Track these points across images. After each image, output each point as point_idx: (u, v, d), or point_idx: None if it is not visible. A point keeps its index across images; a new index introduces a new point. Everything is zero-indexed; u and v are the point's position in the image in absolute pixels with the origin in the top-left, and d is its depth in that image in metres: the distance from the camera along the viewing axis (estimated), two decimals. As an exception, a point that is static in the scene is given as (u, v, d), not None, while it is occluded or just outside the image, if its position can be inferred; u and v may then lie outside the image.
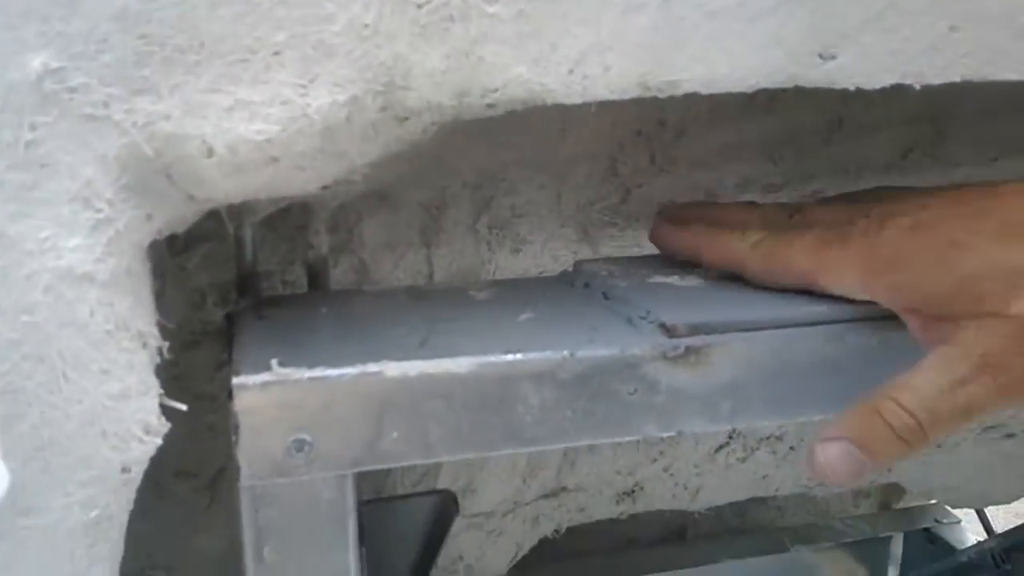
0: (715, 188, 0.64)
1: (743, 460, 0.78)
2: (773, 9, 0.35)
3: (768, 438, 0.78)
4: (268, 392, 0.34)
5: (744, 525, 1.03)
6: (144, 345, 0.32)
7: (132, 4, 0.29)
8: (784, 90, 0.60)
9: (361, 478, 0.39)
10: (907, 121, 0.66)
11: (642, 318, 0.41)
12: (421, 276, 0.60)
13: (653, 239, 0.50)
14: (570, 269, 0.51)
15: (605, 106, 0.37)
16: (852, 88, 0.37)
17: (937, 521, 1.09)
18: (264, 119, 0.32)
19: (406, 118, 0.35)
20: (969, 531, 1.09)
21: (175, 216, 0.34)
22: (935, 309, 0.38)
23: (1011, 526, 1.01)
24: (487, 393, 0.37)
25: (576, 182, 0.61)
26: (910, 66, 0.37)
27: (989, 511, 1.07)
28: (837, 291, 0.41)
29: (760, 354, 0.40)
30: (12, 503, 0.31)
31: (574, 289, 0.48)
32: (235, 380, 0.34)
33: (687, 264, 0.48)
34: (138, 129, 0.30)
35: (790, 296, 0.43)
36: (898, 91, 0.38)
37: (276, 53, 0.31)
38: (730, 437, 0.77)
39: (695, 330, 0.40)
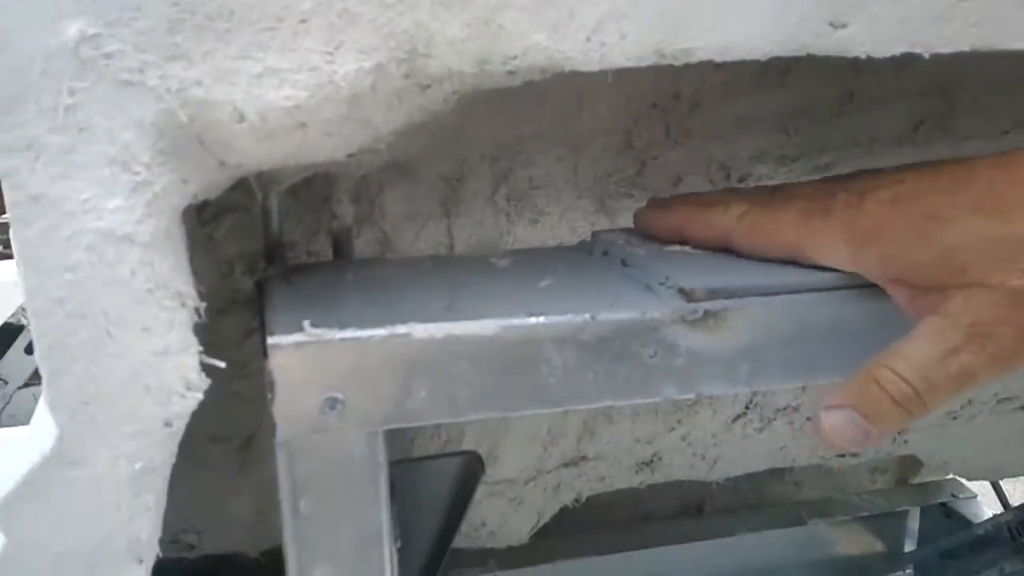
0: (729, 160, 0.65)
1: (760, 430, 0.79)
2: (785, -22, 0.36)
3: (785, 409, 0.78)
4: (301, 352, 0.35)
5: (761, 500, 1.04)
6: (183, 304, 0.33)
7: (164, -28, 0.30)
8: (797, 63, 0.61)
9: (389, 441, 0.40)
10: (918, 94, 0.66)
11: (661, 284, 0.42)
12: (442, 247, 0.60)
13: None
14: (588, 239, 0.52)
15: (621, 79, 0.37)
16: (863, 57, 0.38)
17: (954, 495, 1.10)
18: (293, 85, 0.33)
19: (428, 86, 0.36)
20: (985, 505, 1.10)
21: (208, 182, 0.35)
22: (921, 280, 0.39)
23: (1027, 500, 1.02)
24: (511, 355, 0.38)
25: (593, 154, 0.62)
26: (919, 35, 0.38)
27: (1005, 485, 1.07)
28: (824, 263, 0.42)
29: (777, 318, 0.41)
30: (60, 455, 0.32)
31: (593, 257, 0.49)
32: (270, 340, 0.35)
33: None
34: (172, 95, 0.31)
35: None
36: (909, 63, 0.38)
37: (303, 21, 0.32)
38: (747, 407, 0.77)
39: (713, 294, 0.40)
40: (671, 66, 0.37)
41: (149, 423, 0.33)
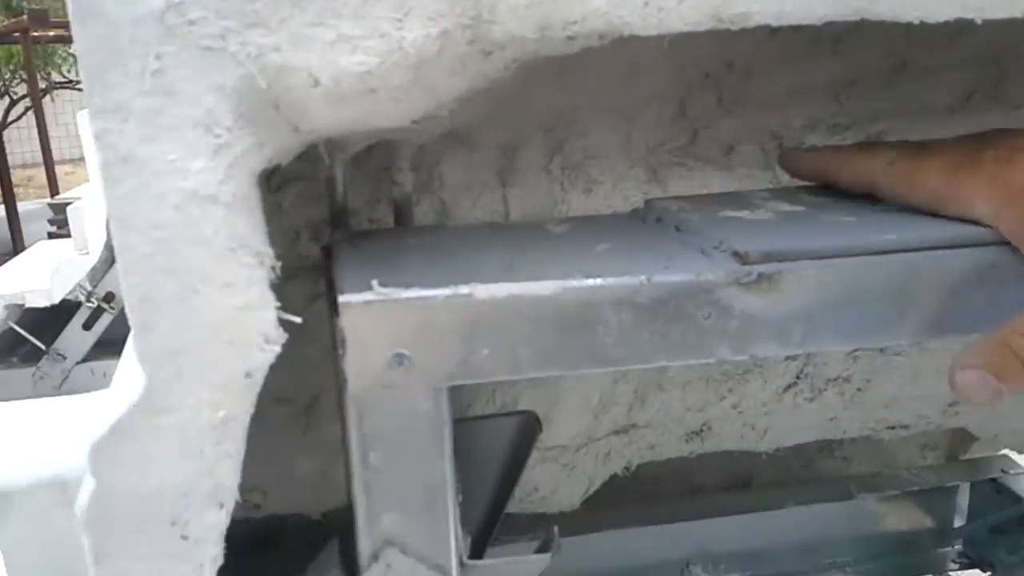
0: (781, 129, 0.65)
1: (811, 400, 0.79)
2: (841, -59, 0.36)
3: (836, 379, 0.78)
4: (370, 309, 0.37)
5: (810, 474, 1.04)
6: (261, 263, 0.34)
7: (242, -60, 0.31)
8: (849, 32, 0.60)
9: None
10: (970, 63, 0.66)
11: (715, 248, 0.42)
12: (498, 215, 0.62)
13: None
14: (641, 207, 0.52)
15: (674, 48, 0.38)
16: (915, 22, 0.38)
17: (1004, 471, 1.08)
18: (364, 52, 0.34)
19: (491, 52, 0.37)
20: (1036, 481, 1.09)
21: (282, 147, 0.36)
22: None
23: (1079, 474, 1.01)
24: (570, 315, 0.39)
25: (646, 124, 0.63)
26: (972, 0, 0.38)
27: (1056, 461, 1.06)
28: (966, 215, 0.43)
29: (831, 281, 0.41)
30: (148, 403, 0.34)
31: (646, 224, 0.50)
32: (340, 298, 0.37)
33: (758, 200, 0.49)
34: (251, 60, 0.33)
35: (861, 225, 0.44)
36: (961, 32, 0.39)
37: (373, -12, 0.33)
38: (798, 377, 0.77)
39: (767, 257, 0.41)
40: (724, 35, 0.38)
41: (231, 374, 0.35)
